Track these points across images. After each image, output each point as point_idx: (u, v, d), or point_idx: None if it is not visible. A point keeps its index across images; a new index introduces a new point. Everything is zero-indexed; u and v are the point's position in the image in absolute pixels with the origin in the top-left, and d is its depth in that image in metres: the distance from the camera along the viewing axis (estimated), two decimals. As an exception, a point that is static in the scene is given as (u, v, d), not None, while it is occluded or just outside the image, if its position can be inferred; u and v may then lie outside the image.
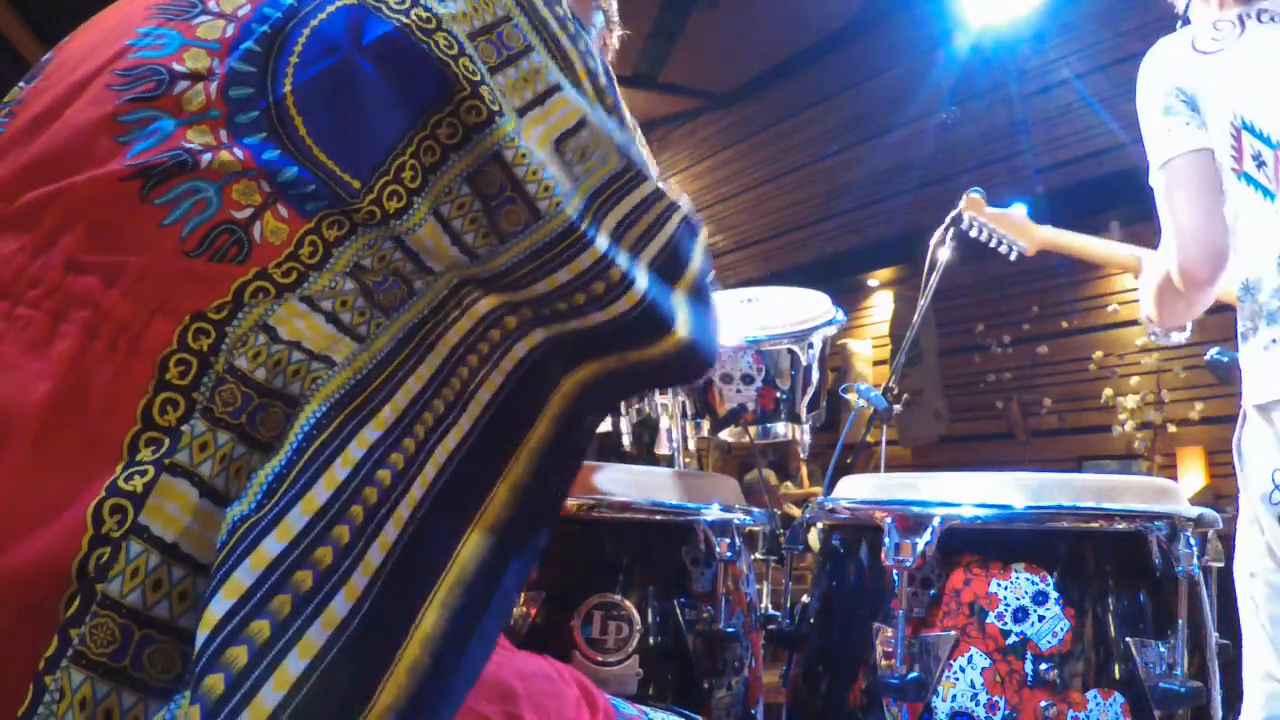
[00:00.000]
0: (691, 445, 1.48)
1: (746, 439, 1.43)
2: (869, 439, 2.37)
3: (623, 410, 1.45)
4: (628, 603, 1.14)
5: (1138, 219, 4.34)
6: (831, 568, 1.29)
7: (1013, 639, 1.06)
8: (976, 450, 6.00)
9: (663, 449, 1.49)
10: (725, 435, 1.44)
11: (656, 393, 1.42)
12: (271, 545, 0.54)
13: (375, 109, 0.66)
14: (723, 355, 1.39)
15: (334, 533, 0.56)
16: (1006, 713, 1.04)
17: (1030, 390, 5.73)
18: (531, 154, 0.68)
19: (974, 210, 2.16)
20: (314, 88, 0.65)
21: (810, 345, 1.41)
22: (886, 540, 1.10)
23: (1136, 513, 1.10)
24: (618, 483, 1.19)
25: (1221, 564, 1.19)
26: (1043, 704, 1.03)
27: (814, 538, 1.34)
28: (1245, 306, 1.44)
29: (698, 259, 0.81)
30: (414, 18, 0.67)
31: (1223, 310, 1.61)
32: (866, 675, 1.14)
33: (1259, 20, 1.46)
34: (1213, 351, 1.48)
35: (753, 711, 1.25)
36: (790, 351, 1.40)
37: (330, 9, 0.67)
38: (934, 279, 2.18)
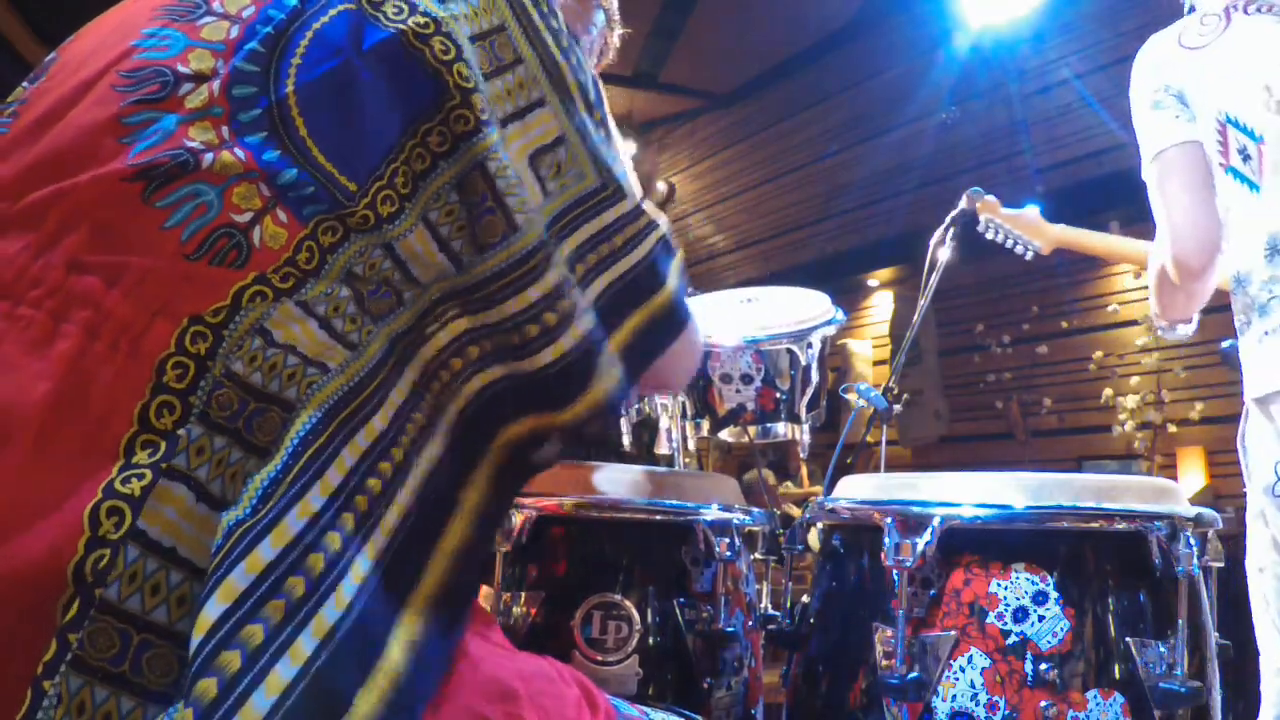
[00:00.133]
0: (691, 445, 1.48)
1: (746, 439, 1.43)
2: (869, 439, 2.37)
3: (622, 410, 1.45)
4: (627, 603, 1.14)
5: (1137, 219, 4.33)
6: (831, 568, 1.29)
7: (1013, 639, 1.06)
8: (976, 450, 6.01)
9: (663, 449, 1.49)
10: (725, 435, 1.44)
11: (655, 393, 1.42)
12: (266, 550, 0.54)
13: (373, 113, 0.66)
14: (722, 355, 1.39)
15: (326, 539, 0.56)
16: (1006, 713, 1.03)
17: (1030, 390, 5.73)
18: (511, 166, 0.69)
19: (989, 212, 2.18)
20: (316, 89, 0.65)
21: (810, 345, 1.41)
22: (886, 540, 1.10)
23: (1136, 513, 1.10)
24: (618, 483, 1.19)
25: (1221, 564, 1.19)
26: (1043, 704, 1.03)
27: (814, 538, 1.34)
28: (1238, 300, 1.44)
29: (673, 279, 0.82)
30: (411, 25, 0.67)
31: (1223, 310, 1.61)
32: (866, 675, 1.14)
33: (1245, 12, 1.45)
34: (1225, 343, 1.48)
35: (753, 711, 1.25)
36: (790, 351, 1.40)
37: (333, 12, 0.68)
38: (934, 279, 2.18)
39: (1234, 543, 1.47)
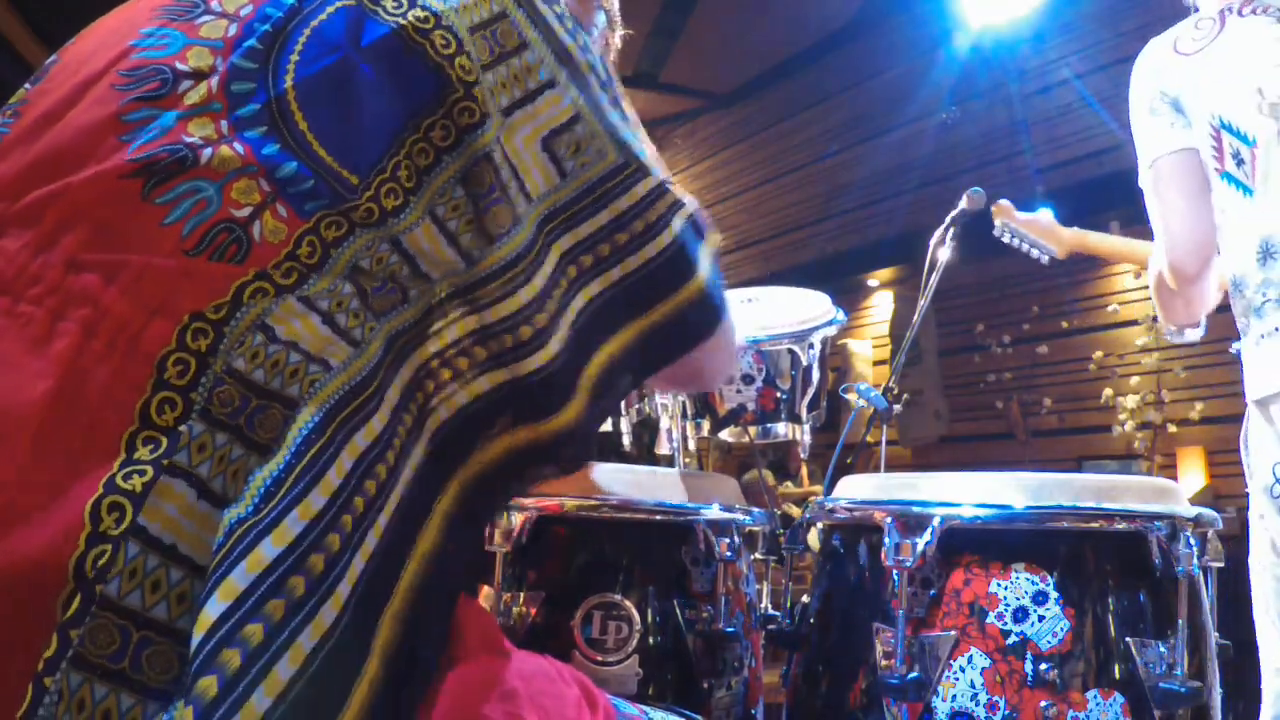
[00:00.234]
0: (691, 445, 1.47)
1: (746, 439, 1.43)
2: (869, 439, 2.36)
3: (623, 410, 1.45)
4: (628, 603, 1.14)
5: (1137, 219, 4.34)
6: (831, 568, 1.29)
7: (1013, 639, 1.06)
8: (976, 450, 6.01)
9: (663, 449, 1.49)
10: (725, 435, 1.44)
11: (656, 393, 1.42)
12: (268, 549, 0.54)
13: (373, 108, 0.66)
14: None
15: (327, 540, 0.56)
16: (1006, 713, 1.04)
17: (1030, 390, 5.74)
18: (509, 158, 0.69)
19: (1005, 216, 2.19)
20: (315, 84, 0.65)
21: (810, 345, 1.41)
22: (886, 540, 1.10)
23: (1136, 513, 1.10)
24: (618, 483, 1.19)
25: (1221, 564, 1.19)
26: (1043, 704, 1.03)
27: (814, 538, 1.34)
28: (1237, 304, 1.45)
29: (705, 264, 0.79)
30: (411, 19, 0.67)
31: (1224, 311, 1.61)
32: (866, 675, 1.14)
33: (1240, 14, 1.45)
34: (1235, 346, 1.49)
35: (753, 711, 1.25)
36: (790, 351, 1.40)
37: (330, 9, 0.68)
38: (934, 279, 2.18)
39: (1234, 543, 1.48)
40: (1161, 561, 1.09)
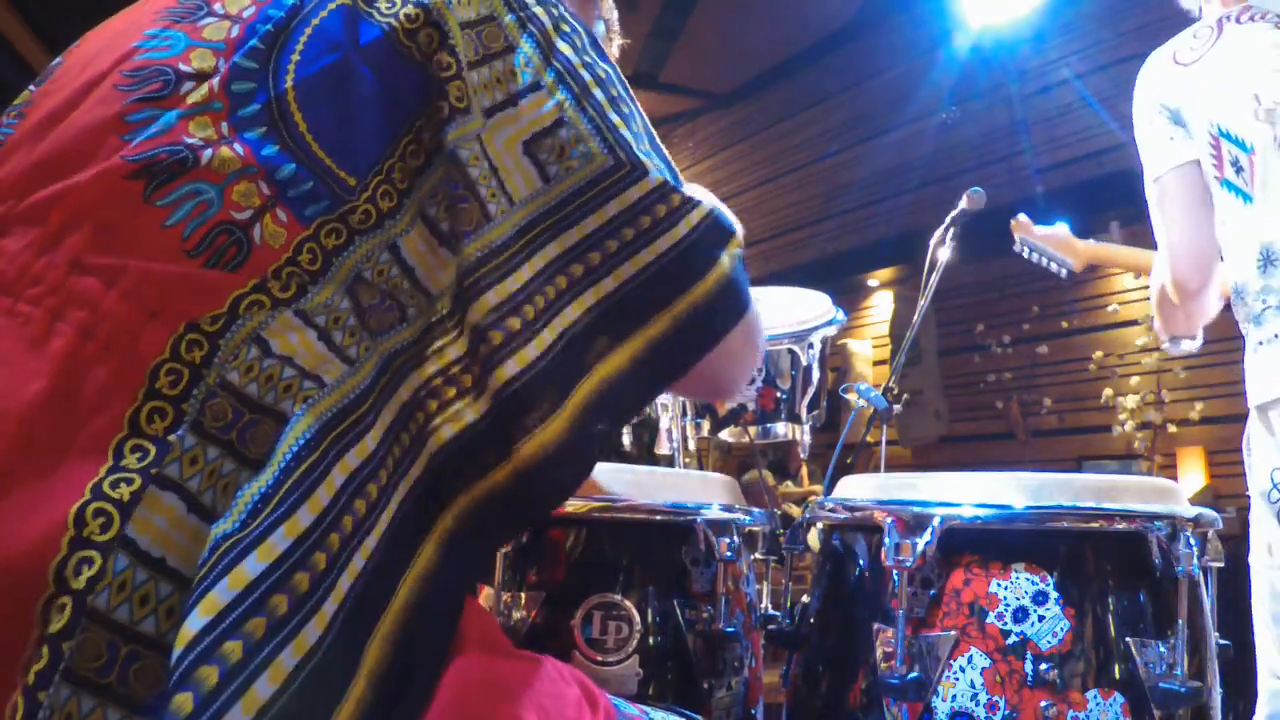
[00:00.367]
0: (691, 445, 1.48)
1: (746, 439, 1.43)
2: (869, 439, 2.37)
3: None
4: (628, 603, 1.14)
5: (1137, 219, 4.34)
6: (831, 568, 1.29)
7: (1013, 639, 1.06)
8: (976, 450, 6.01)
9: (663, 449, 1.49)
10: (725, 435, 1.44)
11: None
12: (252, 565, 0.53)
13: (371, 109, 0.66)
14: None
15: (313, 559, 0.56)
16: (1006, 713, 1.04)
17: (1030, 390, 5.74)
18: (486, 158, 0.67)
19: (1023, 232, 2.22)
20: (315, 84, 0.66)
21: (810, 345, 1.41)
22: (886, 540, 1.10)
23: (1136, 513, 1.10)
24: (618, 483, 1.19)
25: (1221, 564, 1.20)
26: (1043, 704, 1.03)
27: (814, 538, 1.34)
28: (1239, 311, 1.46)
29: (725, 262, 0.75)
30: (402, 18, 0.67)
31: (1224, 310, 1.62)
32: (866, 675, 1.14)
33: (1238, 22, 1.46)
34: None
35: (753, 711, 1.25)
36: (790, 351, 1.40)
37: (330, 7, 0.68)
38: (934, 279, 2.18)
39: (1234, 543, 1.48)
40: (1161, 561, 1.09)
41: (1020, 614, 1.07)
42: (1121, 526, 1.10)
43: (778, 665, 1.45)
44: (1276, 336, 1.38)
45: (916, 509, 1.11)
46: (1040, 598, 1.07)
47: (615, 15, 1.10)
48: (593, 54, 0.76)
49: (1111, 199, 4.81)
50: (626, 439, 1.49)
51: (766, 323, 1.42)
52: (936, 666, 1.07)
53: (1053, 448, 5.57)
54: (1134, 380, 5.16)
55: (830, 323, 1.44)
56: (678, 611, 1.16)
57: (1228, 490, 4.53)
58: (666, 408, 1.46)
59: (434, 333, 0.67)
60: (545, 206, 0.70)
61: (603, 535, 1.18)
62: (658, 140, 0.79)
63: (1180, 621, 1.07)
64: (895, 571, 1.09)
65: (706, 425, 1.43)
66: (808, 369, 1.42)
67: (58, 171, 0.62)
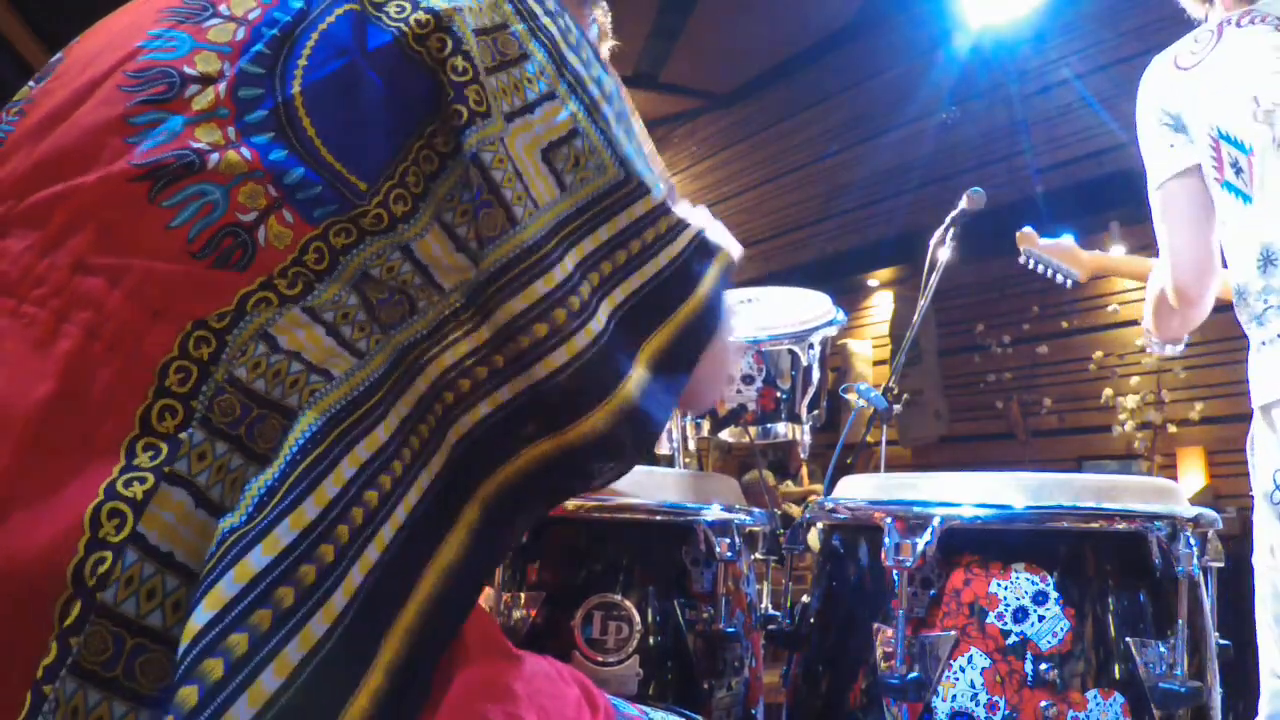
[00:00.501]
0: (691, 445, 1.48)
1: (746, 439, 1.43)
2: (869, 439, 2.37)
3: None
4: (628, 603, 1.14)
5: (1138, 219, 4.34)
6: (831, 568, 1.29)
7: (1013, 639, 1.06)
8: (976, 450, 6.01)
9: (663, 449, 1.49)
10: (725, 435, 1.44)
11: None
12: (257, 558, 0.53)
13: (380, 114, 0.66)
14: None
15: (319, 550, 0.56)
16: (1006, 713, 1.04)
17: (1030, 390, 5.74)
18: (510, 160, 0.68)
19: (1028, 244, 2.26)
20: (323, 89, 0.65)
21: (810, 345, 1.41)
22: (886, 540, 1.10)
23: (1136, 513, 1.10)
24: (618, 483, 1.19)
25: (1221, 564, 1.20)
26: (1043, 704, 1.03)
27: (814, 538, 1.34)
28: (1241, 312, 1.47)
29: (709, 282, 0.79)
30: (412, 24, 0.67)
31: (1224, 311, 1.62)
32: (866, 675, 1.14)
33: (1238, 25, 1.46)
34: None
35: (753, 711, 1.25)
36: (790, 352, 1.40)
37: (338, 12, 0.68)
38: (934, 279, 2.18)
39: (1234, 543, 1.48)
40: (1161, 561, 1.09)
41: (1020, 614, 1.07)
42: (1121, 526, 1.10)
43: (778, 665, 1.45)
44: (1279, 336, 1.38)
45: (916, 509, 1.11)
46: (1040, 598, 1.07)
47: (609, 18, 1.10)
48: (597, 67, 0.77)
49: (1111, 199, 4.80)
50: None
51: (767, 322, 1.43)
52: (936, 666, 1.07)
53: (1053, 448, 5.57)
54: (1134, 380, 5.16)
55: (830, 323, 1.44)
56: (678, 612, 1.16)
57: (1228, 490, 4.53)
58: (666, 408, 1.45)
59: (447, 326, 0.67)
60: (569, 210, 0.71)
61: (603, 535, 1.18)
62: (650, 148, 0.83)
63: (1180, 621, 1.07)
64: (895, 571, 1.09)
65: (706, 425, 1.43)
66: (808, 369, 1.42)
67: (59, 172, 0.62)
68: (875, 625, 1.13)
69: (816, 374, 1.43)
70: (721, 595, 1.18)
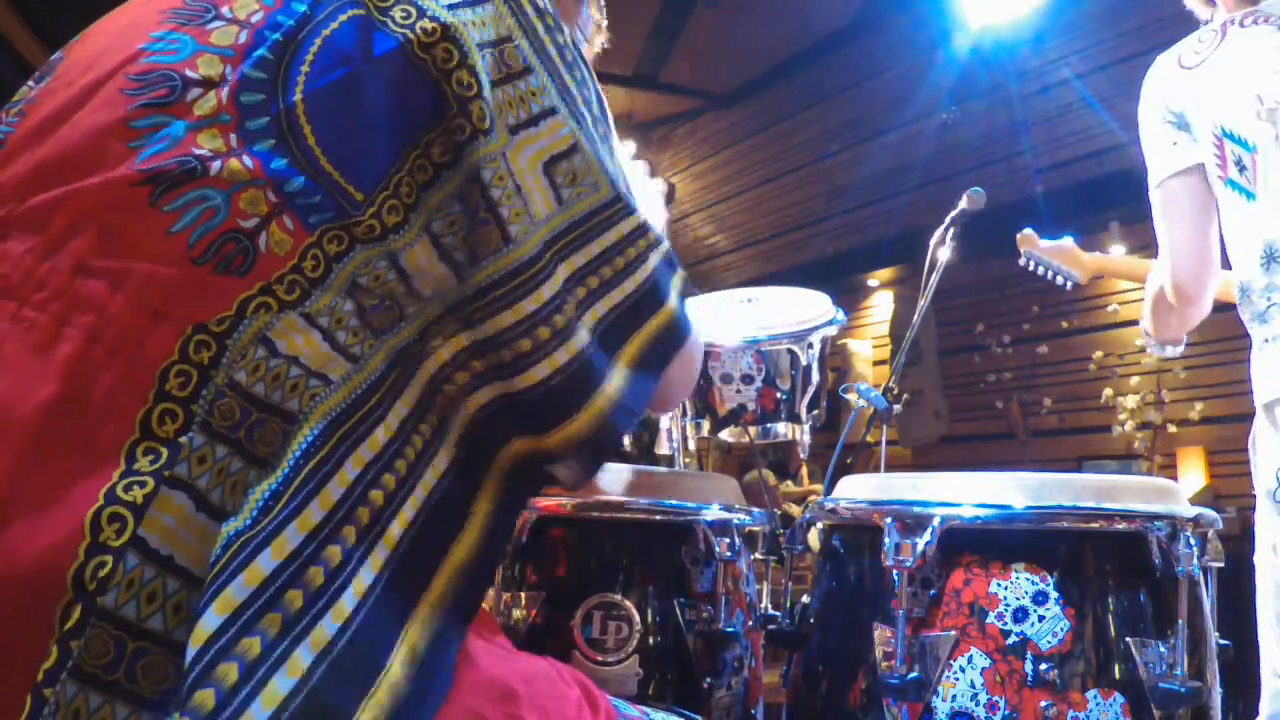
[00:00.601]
0: (691, 445, 1.48)
1: (746, 439, 1.43)
2: (869, 439, 2.37)
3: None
4: (628, 603, 1.14)
5: (1138, 219, 4.35)
6: (831, 568, 1.29)
7: (1013, 639, 1.06)
8: (976, 450, 6.01)
9: (663, 449, 1.49)
10: (725, 435, 1.44)
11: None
12: (265, 562, 0.54)
13: (380, 123, 0.66)
14: (723, 355, 1.39)
15: (326, 552, 0.56)
16: (1006, 713, 1.03)
17: (1030, 390, 5.74)
18: (511, 176, 0.68)
19: (1029, 246, 2.27)
20: (324, 97, 0.65)
21: (810, 345, 1.41)
22: (886, 540, 1.10)
23: (1136, 513, 1.10)
24: (618, 483, 1.19)
25: (1221, 564, 1.20)
26: (1043, 704, 1.03)
27: (814, 538, 1.34)
28: (1244, 310, 1.47)
29: (673, 296, 0.82)
30: (418, 32, 0.67)
31: (1225, 311, 1.62)
32: (866, 675, 1.14)
33: (1241, 25, 1.47)
34: None
35: (753, 711, 1.25)
36: (790, 352, 1.40)
37: (342, 18, 0.67)
38: (934, 279, 2.18)
39: (1234, 543, 1.48)
40: (1161, 561, 1.09)
41: (1020, 614, 1.07)
42: (1121, 526, 1.10)
43: (778, 665, 1.45)
44: None
45: (916, 509, 1.11)
46: (1040, 598, 1.07)
47: (604, 16, 1.10)
48: (590, 87, 0.79)
49: (1111, 199, 4.81)
50: (626, 439, 1.49)
51: (767, 322, 1.43)
52: (936, 666, 1.07)
53: (1053, 448, 5.57)
54: (1134, 380, 5.16)
55: (830, 323, 1.44)
56: (678, 611, 1.16)
57: (1228, 490, 4.53)
58: (666, 408, 1.46)
59: (431, 332, 0.68)
60: (563, 225, 0.73)
61: (603, 535, 1.18)
62: (627, 165, 0.86)
63: (1180, 621, 1.07)
64: (895, 571, 1.09)
65: (706, 425, 1.43)
66: (808, 369, 1.42)
67: (61, 175, 0.62)
68: (875, 625, 1.13)
69: (816, 374, 1.43)
70: (721, 595, 1.18)
